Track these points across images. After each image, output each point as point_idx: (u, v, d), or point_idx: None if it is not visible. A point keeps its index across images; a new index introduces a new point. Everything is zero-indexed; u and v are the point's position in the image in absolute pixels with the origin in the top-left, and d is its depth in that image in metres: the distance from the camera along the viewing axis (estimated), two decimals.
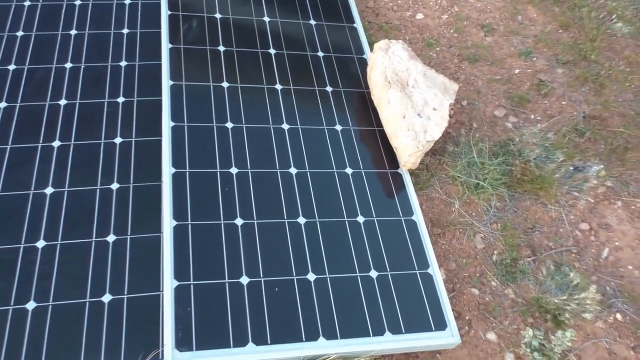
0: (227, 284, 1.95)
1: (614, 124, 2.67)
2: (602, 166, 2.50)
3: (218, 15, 2.76)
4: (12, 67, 2.51)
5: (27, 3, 2.75)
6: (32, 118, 2.35)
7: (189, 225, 2.06)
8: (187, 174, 2.18)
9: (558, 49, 3.02)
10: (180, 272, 1.94)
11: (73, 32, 2.67)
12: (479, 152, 2.50)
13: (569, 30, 3.10)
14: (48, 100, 2.42)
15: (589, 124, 2.66)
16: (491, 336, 2.07)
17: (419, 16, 3.13)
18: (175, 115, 2.33)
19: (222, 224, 2.09)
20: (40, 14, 2.72)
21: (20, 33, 2.63)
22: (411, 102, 2.41)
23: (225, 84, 2.50)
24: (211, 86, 2.48)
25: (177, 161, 2.20)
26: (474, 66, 2.93)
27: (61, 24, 2.70)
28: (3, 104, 2.38)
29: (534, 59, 2.97)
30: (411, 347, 1.98)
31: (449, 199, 2.42)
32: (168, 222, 2.04)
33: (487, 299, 2.18)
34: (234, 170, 2.24)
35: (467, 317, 2.13)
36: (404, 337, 1.98)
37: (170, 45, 2.57)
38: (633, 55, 2.95)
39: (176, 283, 1.92)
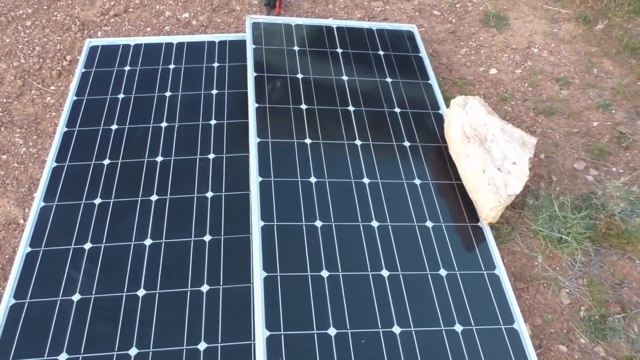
0: (315, 335, 2.01)
1: None
2: None
3: (300, 76, 2.93)
4: (114, 127, 2.74)
5: (127, 68, 3.02)
6: (132, 174, 2.55)
7: (278, 277, 2.15)
8: (275, 227, 2.29)
9: (637, 101, 2.99)
10: (271, 323, 2.02)
11: (168, 94, 2.90)
12: (561, 205, 2.49)
13: None
14: (146, 157, 2.62)
15: None
16: None
17: (492, 71, 3.20)
18: (263, 171, 2.47)
19: (309, 276, 2.17)
20: (138, 78, 2.97)
21: (121, 96, 2.88)
22: (490, 156, 2.45)
23: (308, 140, 2.63)
24: (295, 143, 2.61)
25: (265, 215, 2.32)
26: (550, 119, 2.94)
27: (157, 87, 2.93)
28: (106, 161, 2.59)
29: (613, 111, 2.96)
30: None
31: (531, 253, 2.42)
32: (258, 273, 2.14)
33: (577, 356, 2.13)
34: (318, 224, 2.33)
35: None
36: None
37: (257, 105, 2.74)
38: None
39: (268, 333, 1.99)
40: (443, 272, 2.26)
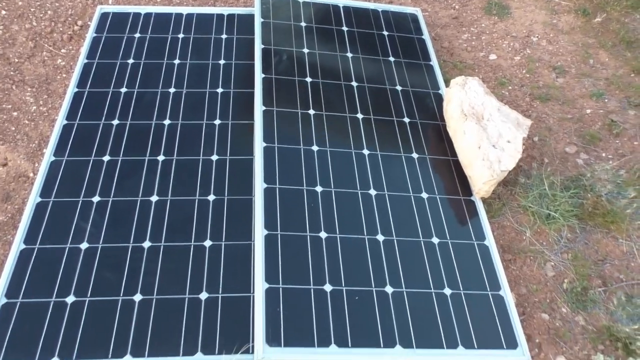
0: (312, 290, 2.12)
1: None
2: None
3: (306, 50, 3.02)
4: (123, 90, 2.82)
5: (137, 35, 3.10)
6: (140, 135, 2.63)
7: (279, 235, 2.25)
8: (277, 189, 2.38)
9: (630, 92, 3.10)
10: (270, 276, 2.12)
11: (176, 61, 2.98)
12: (550, 184, 2.60)
13: None
14: (154, 119, 2.71)
15: None
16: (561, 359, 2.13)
17: (492, 57, 3.30)
18: (267, 137, 2.56)
19: (308, 236, 2.27)
20: (148, 45, 3.04)
21: (131, 61, 2.96)
22: (486, 134, 2.56)
23: (311, 111, 2.73)
24: (299, 113, 2.70)
25: (268, 178, 2.41)
26: (545, 105, 3.05)
27: (166, 54, 3.01)
28: (115, 122, 2.68)
29: (606, 100, 3.07)
30: None
31: (520, 227, 2.53)
32: (260, 231, 2.24)
33: (558, 324, 2.24)
34: (318, 189, 2.43)
35: (537, 340, 2.20)
36: (476, 352, 2.07)
37: (263, 75, 2.83)
38: None
39: (267, 285, 2.10)
40: (435, 240, 2.37)
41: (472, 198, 2.55)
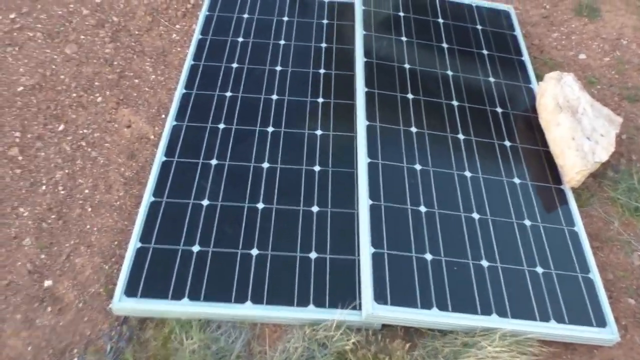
0: (414, 257, 2.29)
1: None
2: None
3: (404, 39, 3.18)
4: (235, 65, 3.05)
5: (245, 16, 3.32)
6: (251, 107, 2.85)
7: (382, 206, 2.42)
8: (380, 164, 2.56)
9: None
10: (376, 241, 2.30)
11: (282, 42, 3.19)
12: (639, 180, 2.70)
13: None
14: (263, 94, 2.92)
15: None
16: None
17: (582, 56, 3.39)
18: (370, 116, 2.74)
19: (409, 209, 2.44)
20: (256, 26, 3.26)
21: (240, 39, 3.18)
22: (580, 126, 2.67)
23: (410, 96, 2.89)
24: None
25: (371, 153, 2.59)
26: (633, 105, 3.13)
27: (272, 35, 3.23)
28: (228, 93, 2.90)
29: None
30: (573, 337, 2.20)
31: (608, 217, 2.63)
32: (365, 200, 2.42)
33: None
34: (417, 167, 2.59)
35: (623, 323, 2.32)
36: (568, 327, 2.20)
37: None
38: None
39: (373, 250, 2.28)
40: (527, 222, 2.50)
41: (562, 187, 2.67)
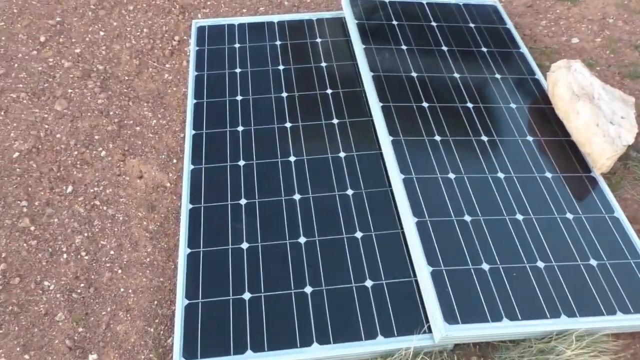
0: (472, 270, 2.23)
1: None
2: None
3: (404, 47, 3.14)
4: (239, 97, 2.94)
5: (237, 45, 3.22)
6: (266, 139, 2.75)
7: (428, 222, 2.36)
8: (415, 179, 2.50)
9: None
10: (431, 260, 2.23)
11: (281, 67, 3.10)
12: None
13: None
14: (275, 123, 2.83)
15: None
16: None
17: (574, 40, 3.42)
18: (391, 131, 2.68)
19: (455, 220, 2.38)
20: (250, 54, 3.17)
21: (238, 70, 3.07)
22: (602, 112, 2.68)
23: (425, 104, 2.84)
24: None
25: (403, 169, 2.53)
26: (635, 82, 3.17)
27: (269, 61, 3.13)
28: (240, 128, 2.79)
29: None
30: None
31: None
32: (410, 219, 2.35)
33: None
34: (451, 176, 2.54)
35: None
36: (635, 316, 2.18)
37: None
38: None
39: (431, 269, 2.21)
40: (570, 216, 2.48)
41: (592, 174, 2.66)
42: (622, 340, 2.22)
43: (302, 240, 2.37)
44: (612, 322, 2.14)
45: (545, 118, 2.89)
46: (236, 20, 3.38)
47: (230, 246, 2.35)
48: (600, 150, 2.59)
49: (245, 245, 2.35)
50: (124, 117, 2.97)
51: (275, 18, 3.42)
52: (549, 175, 2.63)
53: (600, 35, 3.46)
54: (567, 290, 2.22)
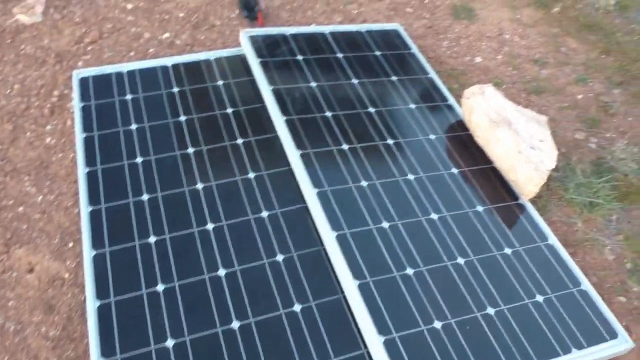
0: (425, 330, 2.08)
1: None
2: None
3: (313, 84, 2.95)
4: (139, 159, 2.60)
5: (128, 97, 2.86)
6: (177, 205, 2.44)
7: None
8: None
9: (608, 72, 3.35)
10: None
11: (182, 118, 2.79)
12: (583, 173, 2.74)
13: (610, 55, 3.45)
14: (185, 186, 2.52)
15: None
16: None
17: (478, 59, 3.41)
18: (315, 182, 2.48)
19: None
20: (145, 106, 2.83)
21: (134, 126, 2.73)
22: (520, 137, 2.64)
23: (345, 146, 2.67)
24: (334, 150, 2.63)
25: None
26: (540, 97, 3.21)
27: (168, 112, 2.81)
28: (145, 196, 2.46)
29: (590, 83, 3.29)
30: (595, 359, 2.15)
31: (570, 219, 2.64)
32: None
33: (636, 303, 2.38)
34: (385, 225, 2.39)
35: (623, 324, 2.32)
36: (588, 350, 2.14)
37: (285, 117, 2.71)
38: None
39: (383, 338, 2.03)
40: (508, 251, 2.42)
41: (520, 201, 2.63)
42: None
43: (235, 325, 2.10)
44: None
45: (465, 146, 2.83)
46: (124, 67, 3.01)
47: (152, 347, 2.02)
48: (527, 178, 2.55)
49: (170, 343, 2.03)
50: (2, 197, 2.52)
51: (168, 61, 3.09)
52: (480, 208, 2.55)
53: (501, 52, 3.48)
54: (520, 334, 2.14)
